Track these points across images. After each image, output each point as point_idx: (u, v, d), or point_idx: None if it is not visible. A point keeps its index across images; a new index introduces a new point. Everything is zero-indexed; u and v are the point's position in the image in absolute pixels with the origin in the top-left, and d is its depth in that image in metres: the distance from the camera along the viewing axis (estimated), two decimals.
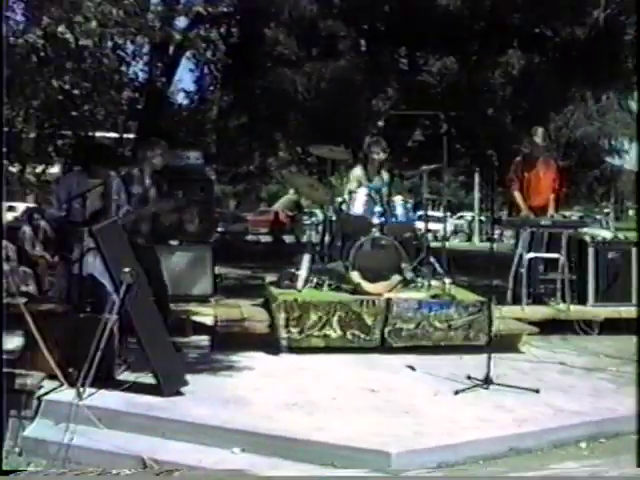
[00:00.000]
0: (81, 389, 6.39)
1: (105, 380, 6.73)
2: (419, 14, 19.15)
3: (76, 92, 13.81)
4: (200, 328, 9.42)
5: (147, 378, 6.91)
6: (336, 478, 5.54)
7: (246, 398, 6.82)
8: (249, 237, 38.57)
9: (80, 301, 7.81)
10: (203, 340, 9.13)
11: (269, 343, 8.73)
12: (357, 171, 10.40)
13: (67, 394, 6.46)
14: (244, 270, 16.40)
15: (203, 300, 10.26)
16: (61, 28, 9.20)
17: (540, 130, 11.18)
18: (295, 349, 8.62)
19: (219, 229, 28.11)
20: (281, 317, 8.65)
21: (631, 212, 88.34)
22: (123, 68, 18.68)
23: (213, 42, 20.10)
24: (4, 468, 5.58)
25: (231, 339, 8.79)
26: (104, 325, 6.58)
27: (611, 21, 19.67)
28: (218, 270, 11.16)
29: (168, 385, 6.75)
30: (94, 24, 9.52)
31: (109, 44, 14.29)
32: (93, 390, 6.49)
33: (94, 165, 8.80)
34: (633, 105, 35.76)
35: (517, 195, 10.89)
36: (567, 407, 6.79)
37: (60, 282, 8.95)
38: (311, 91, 22.39)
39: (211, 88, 26.20)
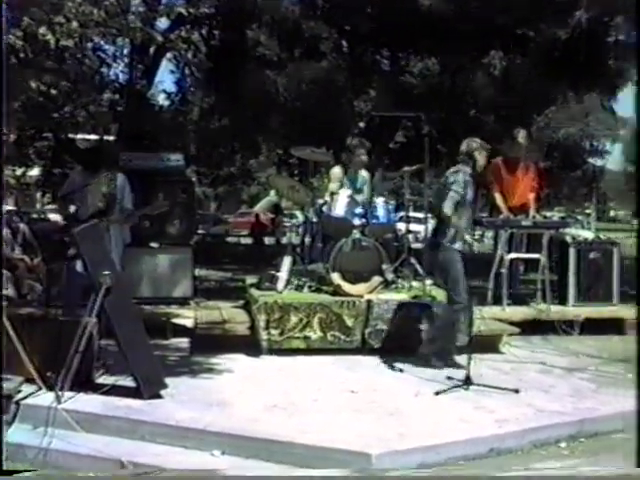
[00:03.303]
0: (60, 393, 6.35)
1: (84, 383, 6.69)
2: (401, 15, 19.14)
3: (55, 92, 13.75)
4: (180, 330, 9.37)
5: (127, 381, 6.86)
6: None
7: (227, 400, 6.80)
8: (230, 239, 38.49)
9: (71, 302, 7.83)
10: (183, 342, 9.08)
11: (250, 345, 8.73)
12: (337, 171, 10.39)
13: (46, 398, 6.40)
14: (225, 272, 16.35)
15: (183, 302, 10.22)
16: (41, 29, 9.16)
17: (522, 131, 11.21)
18: (276, 351, 8.62)
19: (200, 231, 28.04)
20: (262, 319, 8.64)
21: (612, 212, 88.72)
22: (104, 69, 18.66)
23: (194, 43, 20.08)
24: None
25: (211, 341, 8.76)
26: (83, 328, 6.54)
27: (594, 22, 19.71)
28: (198, 272, 11.11)
29: (148, 388, 6.71)
30: (75, 25, 9.47)
31: (89, 45, 14.24)
32: (72, 394, 6.46)
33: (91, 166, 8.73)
34: (615, 106, 35.84)
35: (498, 197, 10.89)
36: (547, 407, 6.81)
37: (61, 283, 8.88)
38: (293, 92, 22.36)
39: (192, 90, 26.13)
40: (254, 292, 9.51)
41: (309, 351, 8.66)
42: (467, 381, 7.25)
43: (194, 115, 26.85)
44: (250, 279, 10.57)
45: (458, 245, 8.02)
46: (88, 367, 6.82)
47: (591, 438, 6.40)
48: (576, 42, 20.65)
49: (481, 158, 8.26)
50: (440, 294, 9.19)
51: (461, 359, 7.88)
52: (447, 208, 7.92)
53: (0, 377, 6.22)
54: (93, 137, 22.23)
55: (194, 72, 24.70)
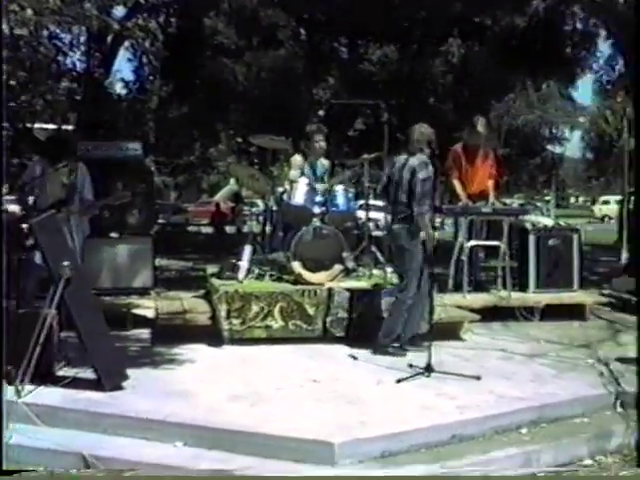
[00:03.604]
0: (20, 386, 6.29)
1: (44, 376, 6.62)
2: (359, 3, 19.17)
3: (12, 82, 13.61)
4: (141, 321, 9.33)
5: (87, 373, 6.81)
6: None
7: (189, 391, 6.77)
8: (190, 228, 38.42)
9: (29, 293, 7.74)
10: (144, 333, 9.05)
11: (211, 335, 8.69)
12: (298, 158, 10.37)
13: (5, 392, 6.33)
14: (185, 262, 16.32)
15: (144, 293, 10.17)
16: None
17: (482, 119, 11.24)
18: (237, 340, 8.59)
19: (160, 220, 27.93)
20: (223, 308, 8.61)
21: (572, 199, 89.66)
22: (60, 58, 18.49)
23: (152, 32, 19.92)
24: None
25: (173, 332, 8.72)
26: (43, 320, 6.48)
27: (551, 11, 19.88)
28: (159, 262, 11.06)
29: (109, 380, 6.66)
30: (29, 13, 9.36)
31: (45, 33, 14.09)
32: (32, 387, 6.39)
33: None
34: (573, 93, 36.12)
35: (457, 184, 10.92)
36: (508, 393, 6.84)
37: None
38: (251, 81, 22.38)
39: (150, 78, 26.04)
40: (215, 281, 9.47)
41: (271, 340, 8.65)
42: (428, 368, 7.26)
43: (152, 104, 26.74)
44: (211, 268, 10.53)
45: (422, 234, 8.04)
46: (48, 360, 6.75)
47: (552, 423, 6.43)
48: (533, 30, 20.85)
49: (436, 145, 8.26)
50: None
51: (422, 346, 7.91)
52: (426, 221, 7.97)
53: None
54: (51, 126, 22.08)
55: (152, 60, 24.58)
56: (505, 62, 21.45)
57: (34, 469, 5.55)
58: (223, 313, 8.61)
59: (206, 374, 7.42)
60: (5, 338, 6.52)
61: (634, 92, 11.82)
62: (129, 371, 6.92)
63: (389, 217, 8.66)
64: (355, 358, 8.11)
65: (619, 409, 6.82)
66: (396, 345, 8.19)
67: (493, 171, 11.18)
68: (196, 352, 8.19)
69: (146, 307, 9.61)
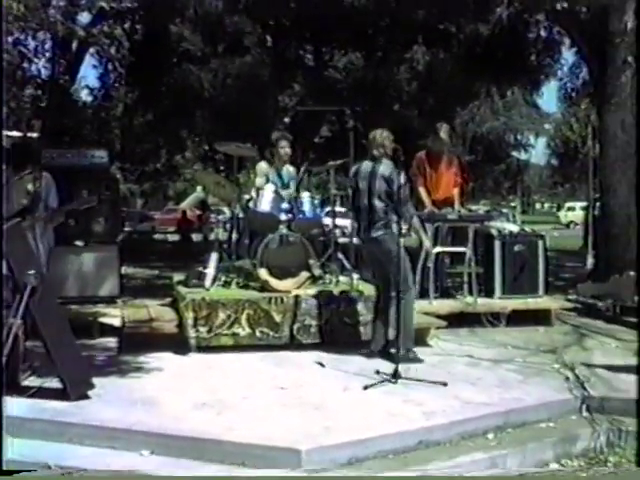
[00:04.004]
0: None
1: (9, 386, 6.55)
2: (324, 10, 19.21)
3: None
4: (108, 330, 9.28)
5: (53, 382, 6.76)
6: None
7: (155, 399, 6.74)
8: (156, 236, 38.28)
9: None
10: (111, 342, 8.99)
11: (178, 343, 8.66)
12: (263, 166, 10.38)
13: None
14: (152, 270, 16.24)
15: (110, 301, 10.13)
16: None
17: (444, 126, 11.31)
18: (204, 348, 8.57)
19: (126, 228, 27.82)
20: (189, 316, 8.59)
21: (538, 205, 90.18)
22: (25, 64, 18.37)
23: (117, 38, 19.87)
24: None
25: (139, 340, 8.68)
26: (8, 330, 6.43)
27: (515, 19, 19.99)
28: (125, 270, 11.01)
29: (75, 389, 6.62)
30: None
31: (10, 39, 14.00)
32: None
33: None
34: (538, 100, 36.36)
35: (422, 191, 10.97)
36: (475, 399, 6.87)
37: None
38: (217, 87, 22.33)
39: (116, 85, 25.92)
40: (181, 289, 9.45)
41: (238, 348, 8.63)
42: (395, 375, 7.29)
43: (118, 111, 26.64)
44: (177, 276, 10.50)
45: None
46: (13, 369, 6.70)
47: (518, 428, 6.47)
48: (498, 38, 20.97)
49: (402, 152, 8.28)
50: (367, 288, 9.22)
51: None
52: (416, 222, 8.03)
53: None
54: (16, 133, 21.92)
55: (117, 67, 24.49)
56: (470, 69, 21.57)
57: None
58: (190, 321, 8.59)
59: (173, 382, 7.39)
60: None
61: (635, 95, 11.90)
62: (95, 380, 6.88)
63: (364, 225, 8.52)
64: (322, 365, 8.11)
65: (585, 413, 6.89)
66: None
67: (458, 178, 11.23)
68: (163, 360, 8.16)
69: (113, 315, 9.57)
